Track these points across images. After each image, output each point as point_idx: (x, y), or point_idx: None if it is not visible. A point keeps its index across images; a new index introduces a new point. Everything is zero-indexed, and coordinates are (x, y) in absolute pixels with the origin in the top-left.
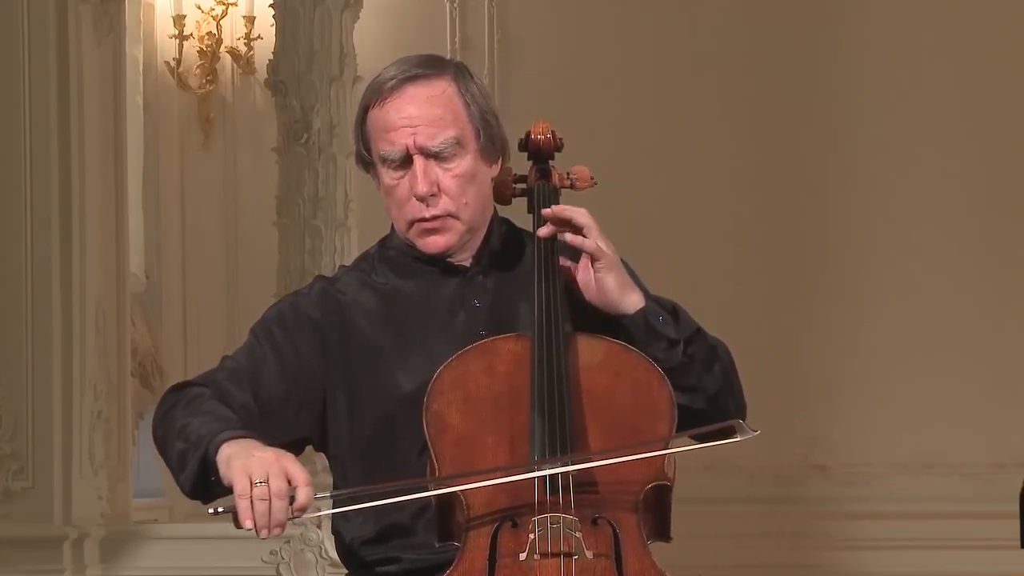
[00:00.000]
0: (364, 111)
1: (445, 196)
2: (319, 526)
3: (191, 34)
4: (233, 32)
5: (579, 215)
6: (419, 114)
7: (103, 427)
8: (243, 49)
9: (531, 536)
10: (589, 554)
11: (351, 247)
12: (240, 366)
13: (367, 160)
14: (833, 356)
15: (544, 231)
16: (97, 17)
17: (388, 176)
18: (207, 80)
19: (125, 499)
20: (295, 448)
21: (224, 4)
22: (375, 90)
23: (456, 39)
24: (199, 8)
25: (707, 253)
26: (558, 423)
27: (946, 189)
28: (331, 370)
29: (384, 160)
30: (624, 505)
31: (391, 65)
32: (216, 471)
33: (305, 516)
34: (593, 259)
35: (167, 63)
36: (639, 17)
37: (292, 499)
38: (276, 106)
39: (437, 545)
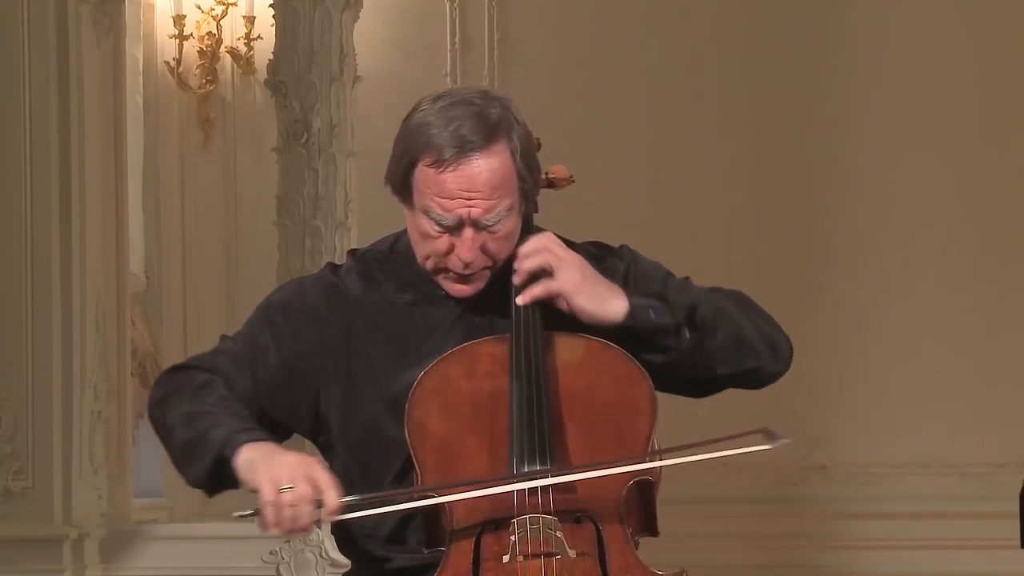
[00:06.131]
0: (413, 160)
1: (485, 255)
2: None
3: (191, 34)
4: (233, 32)
5: (528, 262)
6: (478, 189)
7: (103, 427)
8: (243, 49)
9: (512, 538)
10: (572, 553)
11: (351, 247)
12: (242, 352)
13: (406, 197)
14: (834, 357)
15: (521, 300)
16: (97, 17)
17: (430, 226)
18: (207, 80)
19: (125, 499)
20: (282, 434)
21: (224, 4)
22: (429, 147)
23: (456, 39)
24: (199, 8)
25: (706, 253)
26: (536, 424)
27: (946, 190)
28: (329, 365)
29: (431, 217)
30: (605, 503)
31: (438, 114)
32: (233, 472)
33: (326, 519)
34: (559, 295)
35: (167, 63)
36: (638, 18)
37: (318, 503)
38: (276, 106)
39: (425, 552)
